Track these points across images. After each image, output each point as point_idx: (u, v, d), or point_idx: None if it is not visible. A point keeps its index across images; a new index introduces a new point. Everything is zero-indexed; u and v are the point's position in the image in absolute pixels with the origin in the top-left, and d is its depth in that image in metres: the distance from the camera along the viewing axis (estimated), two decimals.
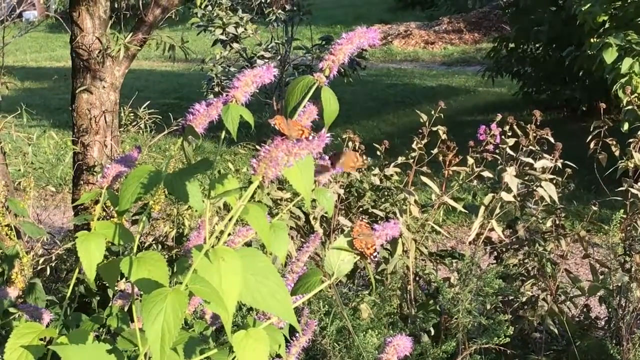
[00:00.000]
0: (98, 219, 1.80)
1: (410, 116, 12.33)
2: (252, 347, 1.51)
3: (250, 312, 3.03)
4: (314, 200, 3.79)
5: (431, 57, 19.02)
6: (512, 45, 11.95)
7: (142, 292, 1.50)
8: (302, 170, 1.46)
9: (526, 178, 3.96)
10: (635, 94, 7.67)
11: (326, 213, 3.86)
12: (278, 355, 1.88)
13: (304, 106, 1.52)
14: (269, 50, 10.16)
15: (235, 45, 9.93)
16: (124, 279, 2.55)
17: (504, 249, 4.04)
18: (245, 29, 9.83)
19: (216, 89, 9.99)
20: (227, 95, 1.45)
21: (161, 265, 1.52)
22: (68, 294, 1.85)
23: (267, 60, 9.61)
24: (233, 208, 1.43)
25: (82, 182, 3.98)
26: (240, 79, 1.45)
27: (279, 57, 10.04)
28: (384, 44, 19.47)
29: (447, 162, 4.07)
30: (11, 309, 2.47)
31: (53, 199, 7.03)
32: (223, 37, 9.88)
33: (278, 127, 1.41)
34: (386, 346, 1.68)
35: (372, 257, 1.65)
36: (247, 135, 9.19)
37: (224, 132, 1.44)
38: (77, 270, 1.94)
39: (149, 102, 4.68)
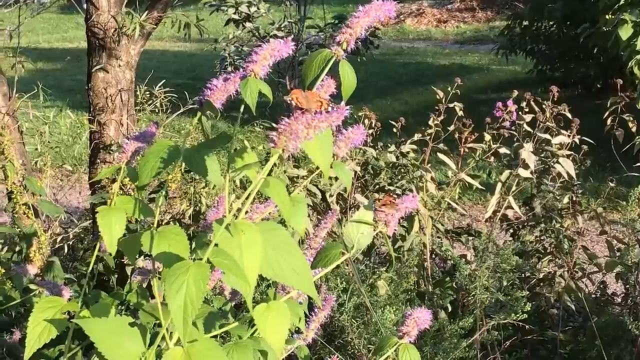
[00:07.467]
0: None
1: (423, 95, 12.30)
2: (273, 320, 1.51)
3: (269, 287, 3.04)
4: (330, 178, 3.78)
5: (444, 35, 18.95)
6: (525, 22, 11.87)
7: (162, 267, 1.50)
8: (321, 144, 1.45)
9: (542, 155, 3.94)
10: None
11: (343, 190, 3.86)
12: (297, 330, 1.88)
13: (322, 80, 1.51)
14: (282, 29, 10.12)
15: (248, 24, 9.90)
16: (142, 257, 2.56)
17: (520, 226, 4.03)
18: (258, 8, 9.80)
19: (229, 69, 9.97)
20: (245, 69, 1.45)
21: (182, 239, 1.52)
22: (89, 271, 1.86)
23: (280, 40, 9.58)
24: (252, 182, 1.43)
25: (98, 160, 3.98)
26: (258, 52, 1.44)
27: (292, 36, 10.00)
28: (396, 23, 19.40)
29: (463, 139, 4.06)
30: (31, 286, 2.49)
31: (68, 179, 7.05)
32: (236, 17, 9.85)
33: (295, 102, 1.40)
34: (406, 319, 1.68)
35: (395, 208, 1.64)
36: (261, 114, 9.20)
37: (242, 107, 1.43)
38: (97, 248, 1.95)
39: (163, 81, 4.68)
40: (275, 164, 1.43)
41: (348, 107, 1.45)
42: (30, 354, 1.60)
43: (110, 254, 2.61)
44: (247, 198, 1.44)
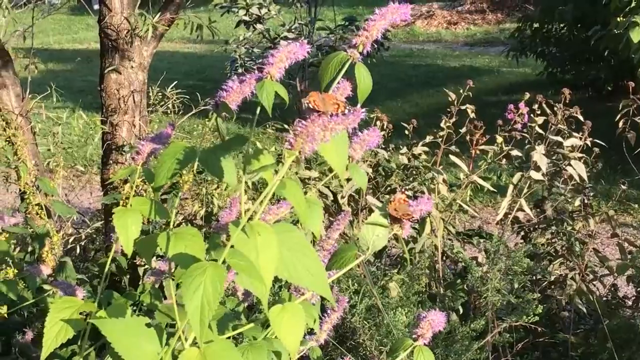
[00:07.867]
0: (127, 198, 1.81)
1: (434, 97, 12.30)
2: (288, 321, 1.52)
3: (282, 289, 3.05)
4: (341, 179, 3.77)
5: (454, 37, 18.93)
6: (536, 25, 11.85)
7: (177, 268, 1.50)
8: (337, 146, 1.45)
9: (554, 157, 3.94)
10: None
11: (355, 192, 3.87)
12: (310, 331, 1.89)
13: (338, 82, 1.51)
14: (293, 31, 10.12)
15: (258, 26, 9.90)
16: (154, 257, 2.57)
17: (531, 229, 4.03)
18: (269, 10, 9.80)
19: (240, 70, 9.97)
20: (261, 71, 1.45)
21: (198, 240, 1.53)
22: (105, 271, 1.87)
23: (290, 41, 9.58)
24: (269, 183, 1.43)
25: (111, 161, 3.99)
26: (274, 55, 1.44)
27: (303, 37, 10.00)
28: (406, 25, 19.39)
29: (475, 142, 4.06)
30: (45, 286, 2.50)
31: (79, 180, 7.08)
32: (246, 18, 9.85)
33: (312, 104, 1.40)
34: (420, 321, 1.68)
35: (411, 220, 1.65)
36: (272, 116, 9.19)
37: (258, 109, 1.43)
38: (113, 249, 1.96)
39: (175, 82, 4.68)
40: (292, 163, 1.44)
41: (364, 109, 1.46)
42: (47, 353, 1.60)
43: (124, 255, 2.62)
44: (262, 200, 1.45)
